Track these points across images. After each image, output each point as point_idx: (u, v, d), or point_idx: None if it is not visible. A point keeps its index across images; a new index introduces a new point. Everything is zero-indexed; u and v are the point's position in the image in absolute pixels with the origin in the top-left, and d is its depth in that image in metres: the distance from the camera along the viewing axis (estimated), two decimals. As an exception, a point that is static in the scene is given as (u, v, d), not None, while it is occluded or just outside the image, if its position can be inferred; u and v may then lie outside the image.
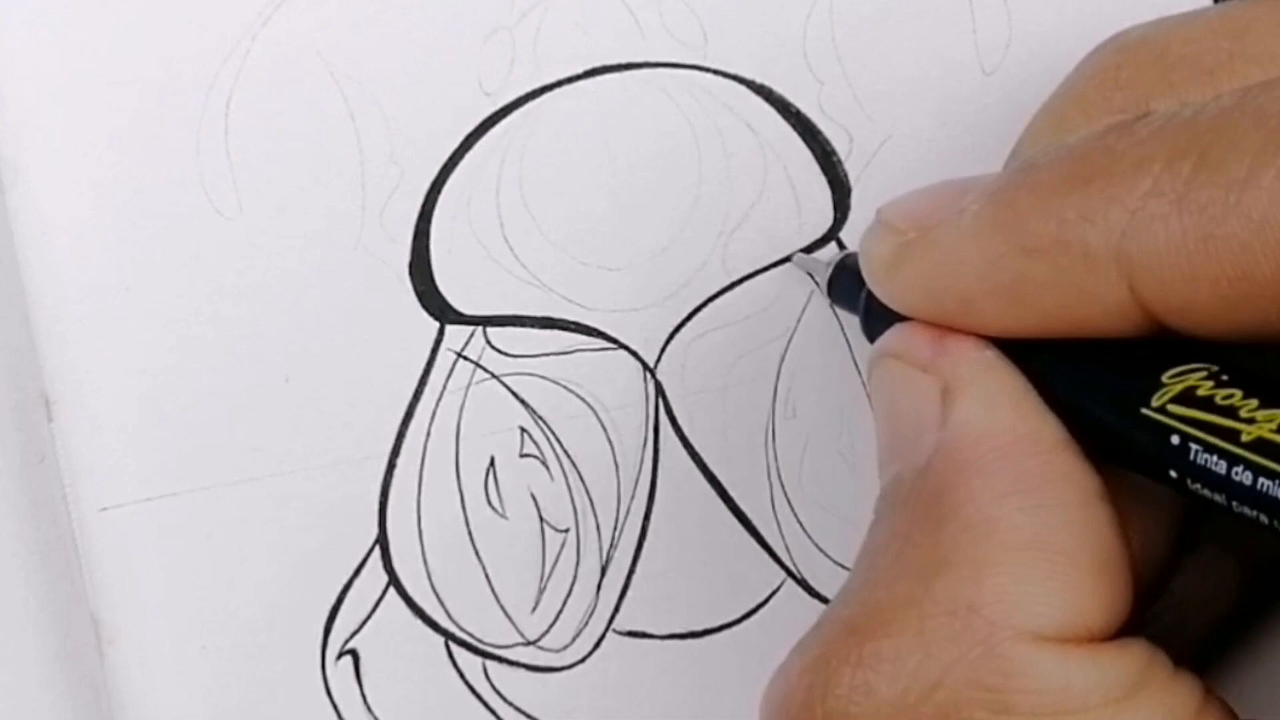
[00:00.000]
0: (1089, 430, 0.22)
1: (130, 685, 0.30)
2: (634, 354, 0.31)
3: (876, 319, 0.25)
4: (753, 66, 0.31)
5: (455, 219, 0.30)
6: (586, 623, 0.31)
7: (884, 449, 0.24)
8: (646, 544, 0.31)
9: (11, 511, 0.30)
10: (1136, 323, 0.21)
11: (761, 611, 0.31)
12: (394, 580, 0.31)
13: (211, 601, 0.30)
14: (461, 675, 0.31)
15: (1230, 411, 0.20)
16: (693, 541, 0.31)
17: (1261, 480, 0.20)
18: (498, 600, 0.31)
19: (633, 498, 0.31)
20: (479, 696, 0.31)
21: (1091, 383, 0.22)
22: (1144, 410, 0.21)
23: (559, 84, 0.30)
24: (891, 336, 0.24)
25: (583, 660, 0.31)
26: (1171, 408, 0.21)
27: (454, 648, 0.31)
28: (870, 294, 0.25)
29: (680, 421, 0.31)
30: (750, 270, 0.31)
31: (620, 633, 0.31)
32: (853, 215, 0.31)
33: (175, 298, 0.30)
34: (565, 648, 0.31)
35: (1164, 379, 0.21)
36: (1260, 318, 0.20)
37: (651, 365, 0.31)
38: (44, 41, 0.30)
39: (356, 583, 0.30)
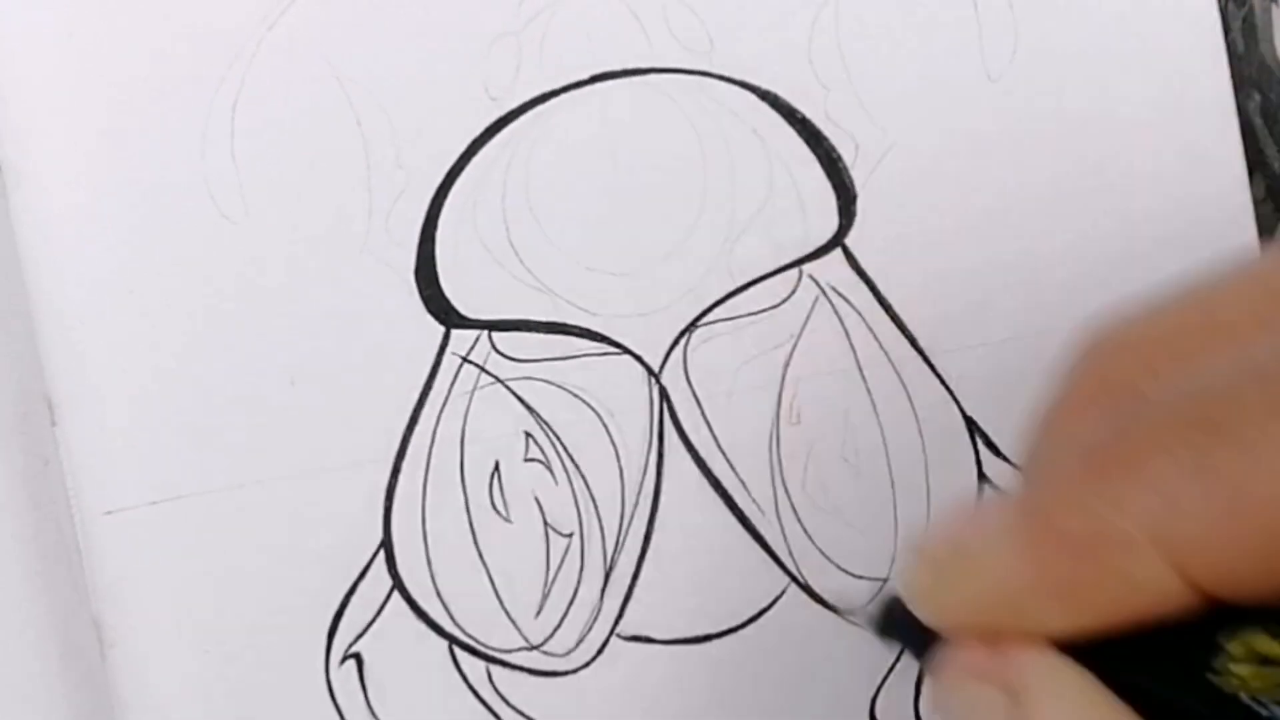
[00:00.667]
0: (1162, 713, 0.22)
1: (132, 688, 0.30)
2: (639, 359, 0.31)
3: (930, 648, 0.24)
4: (758, 73, 0.31)
5: (461, 223, 0.30)
6: (590, 627, 0.31)
7: None
8: (650, 549, 0.31)
9: (15, 515, 0.30)
10: (1188, 601, 0.21)
11: (765, 616, 0.31)
12: (398, 584, 0.31)
13: (215, 605, 0.30)
14: (465, 679, 0.31)
15: None
16: (697, 546, 0.31)
17: None
18: (502, 604, 0.31)
19: (637, 502, 0.31)
20: (483, 700, 0.31)
21: (1155, 665, 0.22)
22: (1209, 676, 0.21)
23: (565, 89, 0.30)
24: (952, 653, 0.24)
25: (587, 665, 0.31)
26: (1235, 669, 0.21)
27: (458, 652, 0.31)
28: (922, 624, 0.24)
29: (685, 426, 0.31)
30: (756, 275, 0.31)
31: (624, 637, 0.31)
32: (858, 221, 0.31)
33: (179, 301, 0.30)
34: (569, 652, 0.31)
35: (1225, 643, 0.21)
36: None
37: (656, 370, 0.31)
38: (49, 45, 0.30)
39: (361, 586, 0.30)
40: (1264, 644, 0.21)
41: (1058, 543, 0.21)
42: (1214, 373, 0.21)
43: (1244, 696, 0.21)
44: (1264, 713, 0.21)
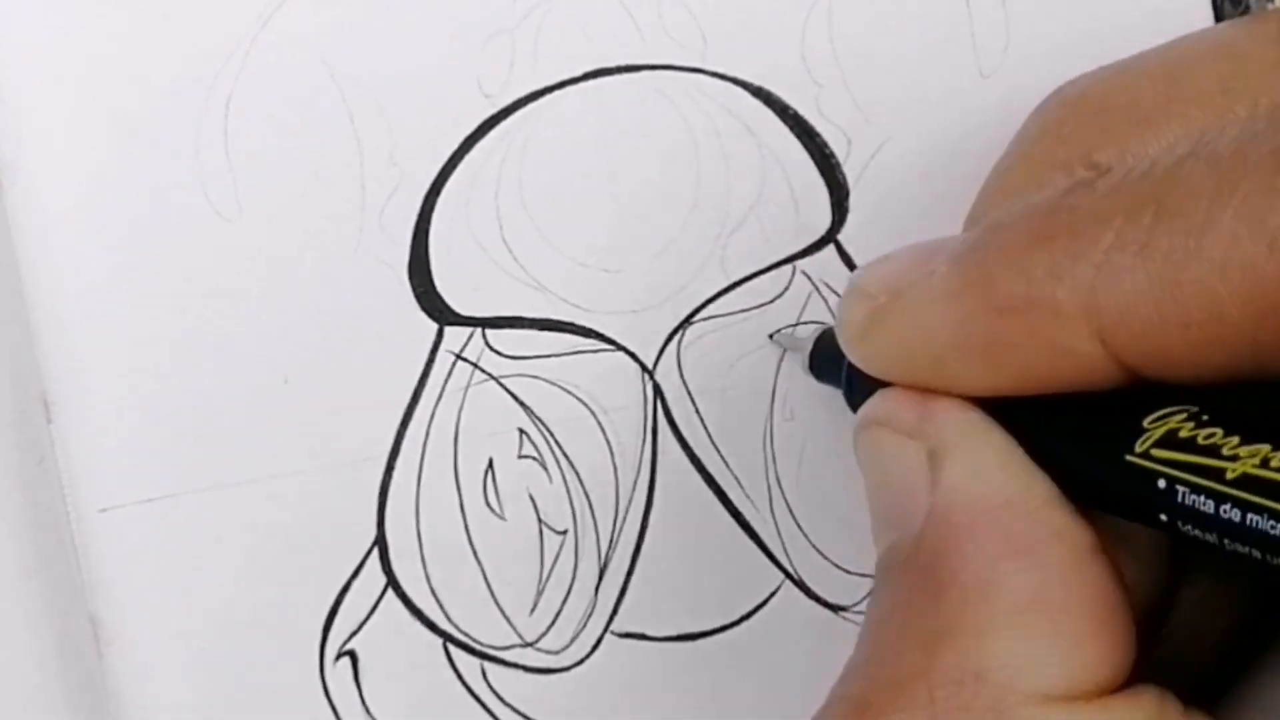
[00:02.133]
0: (1077, 483, 0.22)
1: (129, 686, 0.30)
2: (633, 356, 0.31)
3: (859, 390, 0.25)
4: (751, 69, 0.31)
5: (454, 220, 0.31)
6: (585, 624, 0.31)
7: (877, 518, 0.24)
8: (645, 545, 0.31)
9: (10, 513, 0.30)
10: (1112, 375, 0.21)
11: (760, 613, 0.31)
12: (392, 581, 0.31)
13: (210, 603, 0.30)
14: (460, 676, 0.31)
15: (1213, 450, 0.20)
16: (691, 543, 0.31)
17: (1250, 516, 0.20)
18: (496, 602, 0.31)
19: (631, 499, 0.31)
20: (477, 698, 0.31)
21: (1075, 435, 0.22)
22: (1128, 458, 0.21)
23: (559, 86, 0.30)
24: (874, 404, 0.24)
25: (581, 662, 0.31)
26: (1155, 452, 0.21)
27: (452, 649, 0.31)
28: (852, 365, 0.25)
29: (679, 423, 0.31)
30: (749, 272, 0.31)
31: (618, 634, 0.31)
32: (851, 217, 0.31)
33: (174, 299, 0.30)
34: (563, 649, 0.31)
35: (1145, 424, 0.21)
36: (1232, 359, 0.20)
37: (650, 367, 0.31)
38: (44, 42, 0.30)
39: (355, 584, 0.30)
40: (1186, 428, 0.21)
41: (991, 302, 0.22)
42: (1168, 151, 0.21)
43: (1161, 482, 0.21)
44: (1177, 498, 0.21)
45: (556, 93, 0.31)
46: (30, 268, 0.30)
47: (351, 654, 0.30)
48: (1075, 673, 0.21)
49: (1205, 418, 0.21)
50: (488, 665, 0.31)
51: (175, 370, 0.30)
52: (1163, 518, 0.21)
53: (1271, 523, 0.20)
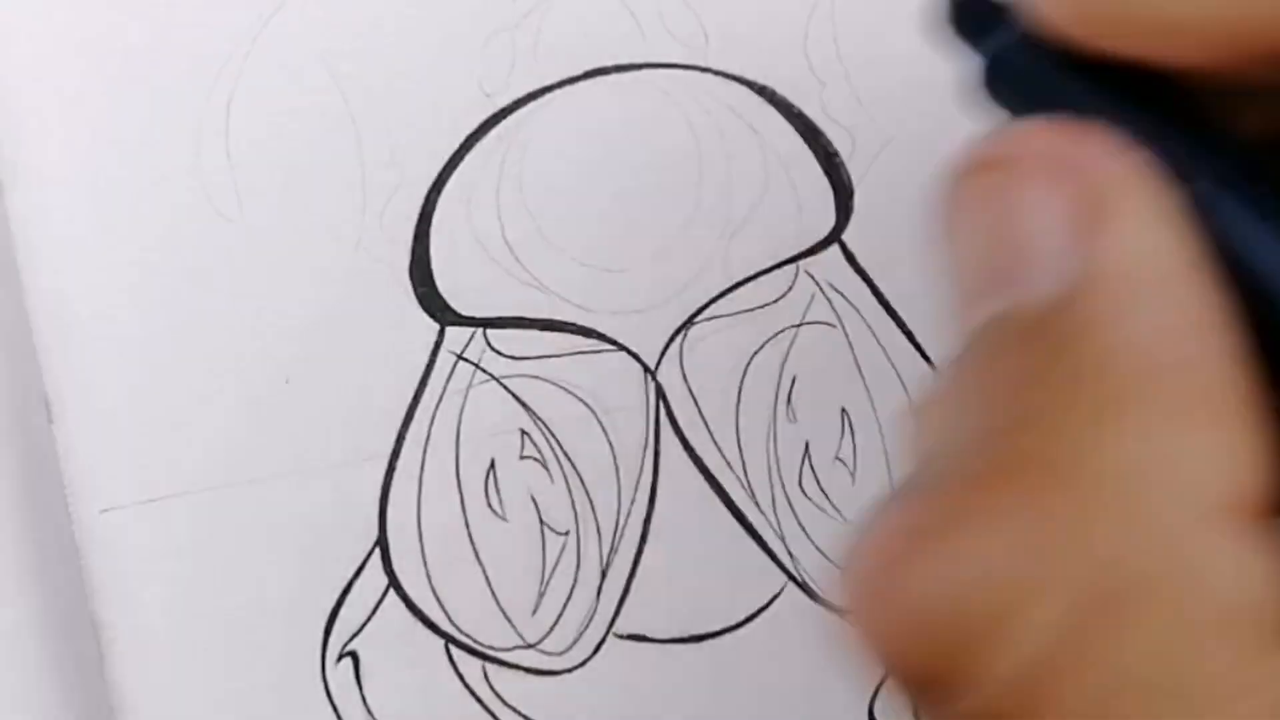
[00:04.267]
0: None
1: (131, 686, 0.30)
2: (635, 356, 0.31)
3: (1008, 82, 0.19)
4: (754, 68, 0.31)
5: (455, 220, 0.30)
6: (587, 626, 0.31)
7: (978, 280, 0.18)
8: (647, 547, 0.31)
9: (12, 513, 0.30)
10: None
11: (763, 615, 0.31)
12: (394, 582, 0.30)
13: (212, 603, 0.30)
14: (461, 678, 0.31)
15: None
16: (693, 545, 0.31)
17: None
18: (498, 603, 0.31)
19: (633, 500, 0.31)
20: (479, 699, 0.31)
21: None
22: None
23: (560, 85, 0.30)
24: (1020, 133, 0.18)
25: (583, 663, 0.31)
26: None
27: (454, 650, 0.31)
28: (1008, 46, 0.19)
29: (681, 424, 0.31)
30: (752, 272, 0.31)
31: (621, 636, 0.31)
32: (855, 217, 0.31)
33: (175, 299, 0.30)
34: (565, 651, 0.31)
35: None
36: None
37: (652, 367, 0.31)
38: (44, 42, 0.30)
39: (356, 585, 0.30)
40: None
41: None
42: None
43: None
44: None
45: (557, 92, 0.30)
46: (31, 267, 0.30)
47: (353, 655, 0.30)
48: (1251, 484, 0.16)
49: None
50: (489, 666, 0.31)
51: (176, 370, 0.30)
52: None
53: None
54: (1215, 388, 0.17)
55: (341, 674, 0.30)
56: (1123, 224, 0.17)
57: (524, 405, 0.31)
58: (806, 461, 0.31)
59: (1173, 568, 0.16)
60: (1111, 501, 0.16)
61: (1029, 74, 0.18)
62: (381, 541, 0.30)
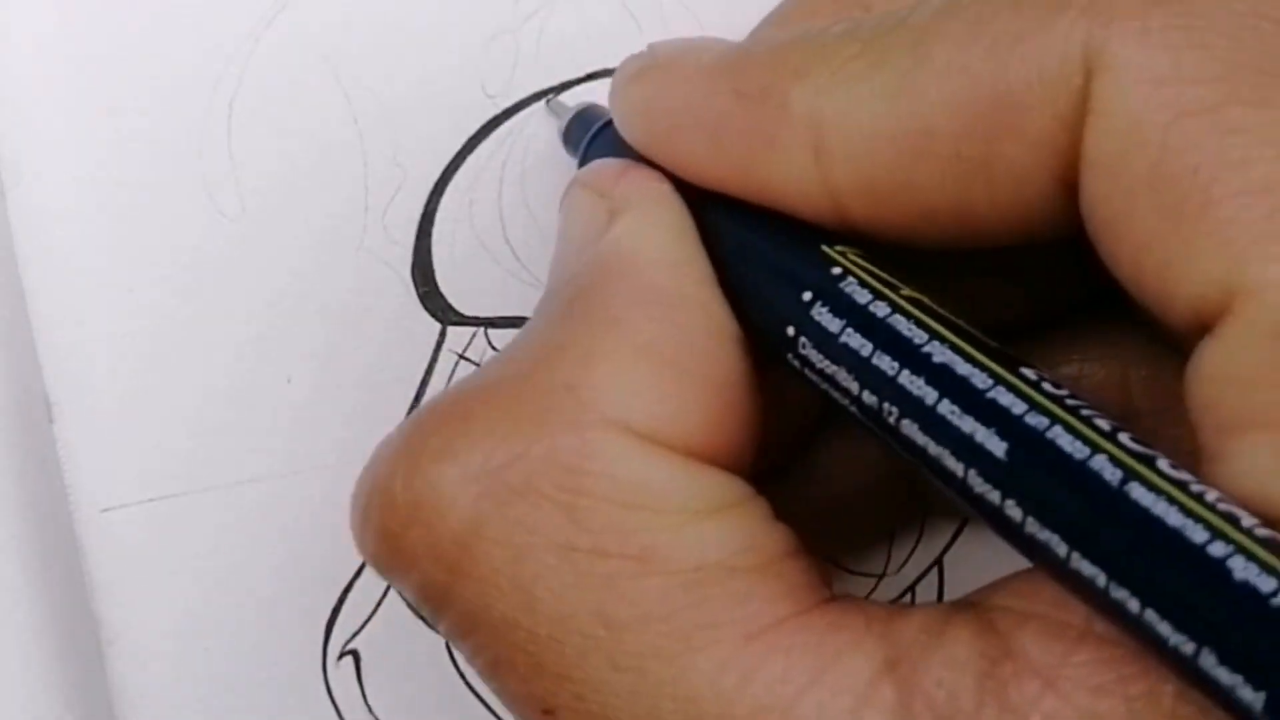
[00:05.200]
0: (743, 289, 0.23)
1: (131, 685, 0.30)
2: (635, 356, 0.31)
3: (590, 158, 0.27)
4: (754, 70, 0.31)
5: (457, 221, 0.31)
6: (587, 624, 0.31)
7: (553, 266, 0.25)
8: (647, 545, 0.31)
9: (12, 512, 0.30)
10: (820, 206, 0.22)
11: (761, 612, 0.31)
12: (395, 581, 0.31)
13: (213, 602, 0.30)
14: (463, 676, 0.31)
15: (891, 284, 0.21)
16: (693, 543, 0.31)
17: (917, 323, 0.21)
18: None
19: (634, 499, 0.31)
20: (480, 697, 0.31)
21: (760, 237, 0.23)
22: (825, 248, 0.22)
23: (562, 87, 0.31)
24: (585, 169, 0.25)
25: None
26: (847, 258, 0.22)
27: (455, 649, 0.31)
28: (590, 141, 0.27)
29: (681, 423, 0.31)
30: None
31: (621, 634, 0.31)
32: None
33: (177, 299, 0.30)
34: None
35: (823, 248, 0.22)
36: (936, 185, 0.21)
37: (652, 367, 0.31)
38: (46, 42, 0.30)
39: (358, 583, 0.30)
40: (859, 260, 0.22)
41: (734, 84, 0.23)
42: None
43: (835, 269, 0.22)
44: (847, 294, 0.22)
45: (559, 94, 0.31)
46: (31, 267, 0.30)
47: (354, 653, 0.31)
48: (664, 422, 0.21)
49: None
50: (490, 665, 0.31)
51: (177, 370, 0.30)
52: (793, 358, 0.22)
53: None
54: (663, 345, 0.22)
55: (343, 673, 0.31)
56: (625, 220, 0.23)
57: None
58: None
59: (576, 456, 0.21)
60: (534, 415, 0.21)
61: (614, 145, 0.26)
62: (383, 540, 0.30)
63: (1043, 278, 0.25)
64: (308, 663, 0.30)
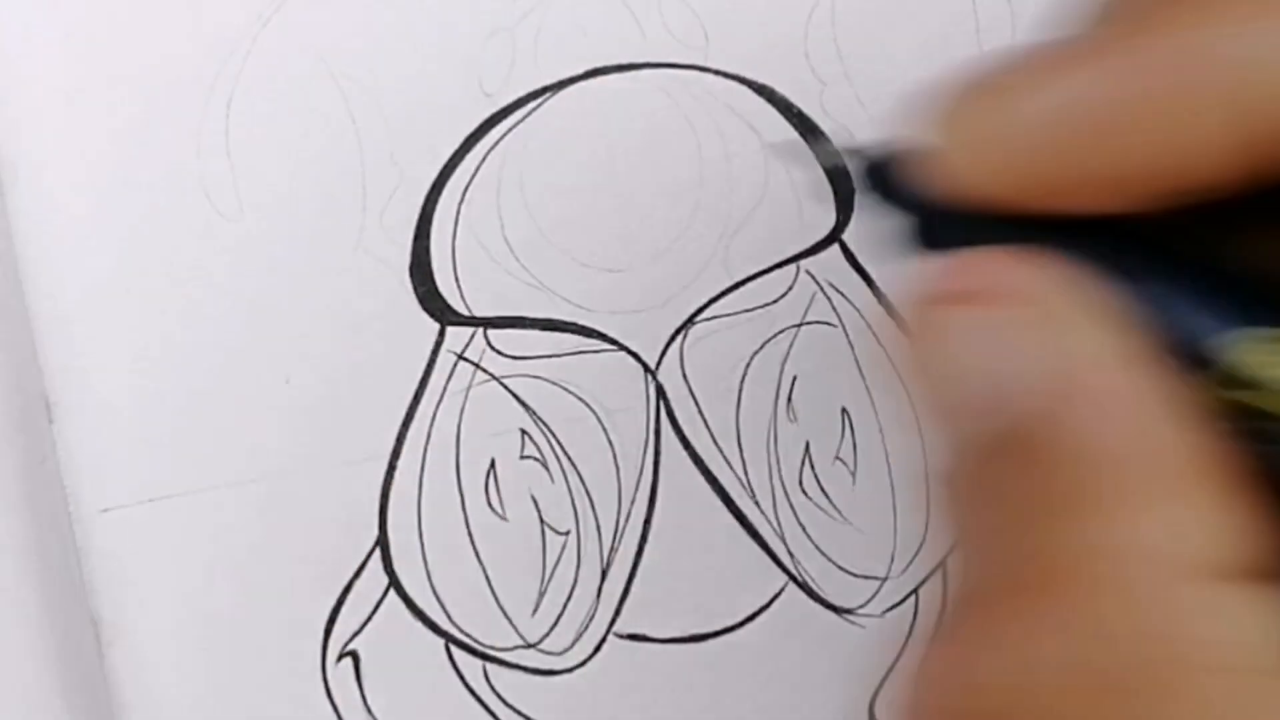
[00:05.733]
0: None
1: (130, 686, 0.30)
2: (635, 356, 0.31)
3: (927, 237, 0.20)
4: (754, 67, 0.31)
5: (456, 220, 0.30)
6: (587, 626, 0.31)
7: (949, 411, 0.20)
8: (647, 547, 0.31)
9: (11, 512, 0.30)
10: (1235, 167, 0.18)
11: (763, 615, 0.31)
12: (394, 582, 0.30)
13: (211, 603, 0.30)
14: (461, 677, 0.31)
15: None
16: (694, 544, 0.31)
17: None
18: (498, 602, 0.31)
19: (634, 500, 0.31)
20: (479, 699, 0.31)
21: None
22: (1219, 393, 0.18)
23: (560, 85, 0.30)
24: (946, 273, 0.20)
25: (583, 663, 0.31)
26: (1242, 396, 0.18)
27: (454, 650, 0.31)
28: (924, 209, 0.20)
29: (681, 424, 0.31)
30: (752, 271, 0.31)
31: (621, 636, 0.31)
32: (855, 216, 0.31)
33: (176, 299, 0.30)
34: (566, 650, 0.31)
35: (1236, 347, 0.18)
36: None
37: (653, 367, 0.31)
38: (44, 42, 0.30)
39: (357, 584, 0.30)
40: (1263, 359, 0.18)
41: (1148, 64, 0.18)
42: None
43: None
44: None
45: (558, 91, 0.30)
46: (31, 267, 0.30)
47: (353, 654, 0.30)
48: (1229, 547, 0.17)
49: None
50: (490, 666, 0.31)
51: (176, 370, 0.30)
52: None
53: None
54: (1176, 468, 0.18)
55: (342, 674, 0.30)
56: (1067, 330, 0.19)
57: (524, 405, 0.31)
58: (807, 461, 0.31)
59: (1166, 628, 0.17)
60: (1100, 590, 0.17)
61: (957, 223, 0.19)
62: (382, 541, 0.30)
63: None
64: (307, 663, 0.30)
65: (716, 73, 0.31)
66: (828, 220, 0.31)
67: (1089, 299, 0.19)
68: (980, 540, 0.19)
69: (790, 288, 0.31)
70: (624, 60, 0.31)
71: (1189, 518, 0.17)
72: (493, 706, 0.31)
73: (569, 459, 0.31)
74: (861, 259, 0.31)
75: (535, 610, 0.31)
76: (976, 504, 0.19)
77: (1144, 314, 0.19)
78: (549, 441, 0.31)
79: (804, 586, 0.31)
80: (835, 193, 0.31)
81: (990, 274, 0.19)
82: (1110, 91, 0.18)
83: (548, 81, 0.30)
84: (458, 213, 0.30)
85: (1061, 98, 0.19)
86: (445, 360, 0.31)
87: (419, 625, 0.30)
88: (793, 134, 0.31)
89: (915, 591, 0.31)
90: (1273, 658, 0.17)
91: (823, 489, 0.31)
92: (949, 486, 0.20)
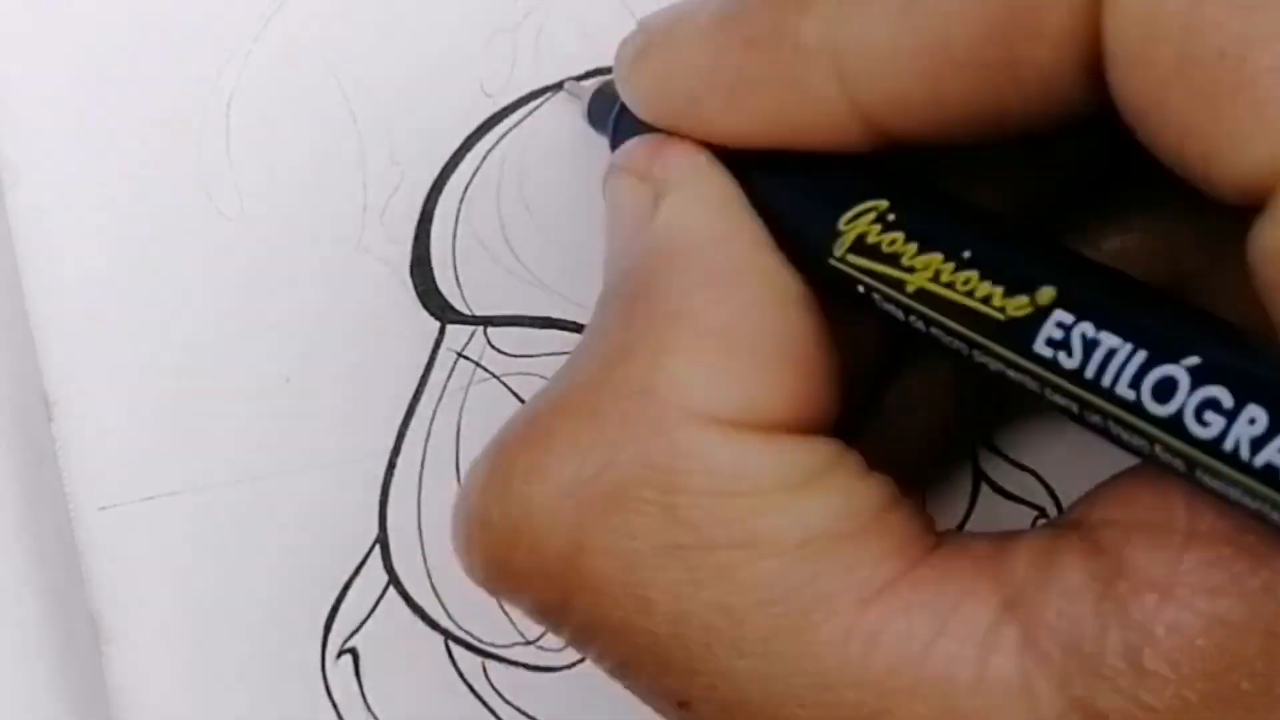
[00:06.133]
0: (793, 244, 0.23)
1: (129, 684, 0.30)
2: (634, 354, 0.31)
3: (621, 138, 0.26)
4: (752, 68, 0.31)
5: (456, 219, 0.31)
6: (586, 622, 0.31)
7: (608, 259, 0.24)
8: (646, 544, 0.31)
9: (11, 511, 0.30)
10: (854, 131, 0.22)
11: (760, 611, 0.31)
12: (394, 579, 0.31)
13: (211, 601, 0.30)
14: (461, 674, 0.31)
15: (894, 260, 0.21)
16: (692, 541, 0.31)
17: (933, 328, 0.21)
18: (498, 600, 0.31)
19: (632, 497, 0.31)
20: (478, 696, 0.31)
21: (795, 203, 0.23)
22: (830, 261, 0.22)
23: (560, 85, 0.31)
24: (620, 152, 0.25)
25: (582, 660, 0.31)
26: (850, 258, 0.22)
27: (454, 647, 0.31)
28: (618, 117, 0.26)
29: (680, 421, 0.31)
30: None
31: (620, 632, 0.31)
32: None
33: (176, 298, 0.30)
34: (564, 647, 0.31)
35: (841, 225, 0.22)
36: (962, 100, 0.21)
37: (651, 365, 0.31)
38: (45, 42, 0.30)
39: (356, 582, 0.30)
40: (874, 232, 0.22)
41: (740, 34, 0.22)
42: None
43: (860, 287, 0.22)
44: (875, 303, 0.22)
45: (558, 91, 0.31)
46: (31, 266, 0.30)
47: (353, 652, 0.31)
48: (746, 403, 0.21)
49: (892, 218, 0.21)
50: (489, 663, 0.31)
51: (176, 369, 0.30)
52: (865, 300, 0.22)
53: (949, 336, 0.20)
54: (732, 325, 0.21)
55: (341, 671, 0.31)
56: (671, 201, 0.23)
57: (524, 403, 0.31)
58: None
59: (666, 456, 0.21)
60: (619, 421, 0.21)
61: (631, 128, 0.25)
62: (382, 539, 0.31)
63: (1076, 158, 0.25)
64: (306, 661, 0.30)
65: (715, 74, 0.31)
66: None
67: (702, 177, 0.23)
68: (576, 359, 0.23)
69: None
70: (623, 61, 0.31)
71: (714, 374, 0.21)
72: (492, 703, 0.31)
73: (568, 457, 0.31)
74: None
75: (535, 607, 0.31)
76: (589, 330, 0.23)
77: (775, 205, 0.23)
78: (548, 439, 0.31)
79: (801, 583, 0.31)
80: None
81: (632, 152, 0.24)
82: (714, 61, 0.23)
83: (548, 81, 0.31)
84: (458, 212, 0.31)
85: (683, 64, 0.23)
86: (445, 358, 0.31)
87: (419, 622, 0.31)
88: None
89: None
90: (768, 481, 0.21)
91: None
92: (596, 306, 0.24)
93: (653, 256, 0.23)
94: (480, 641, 0.31)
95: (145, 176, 0.30)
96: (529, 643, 0.31)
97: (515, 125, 0.31)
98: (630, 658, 0.21)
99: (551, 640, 0.31)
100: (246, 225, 0.30)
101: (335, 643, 0.30)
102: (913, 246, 0.21)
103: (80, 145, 0.30)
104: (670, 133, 0.24)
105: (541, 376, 0.31)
